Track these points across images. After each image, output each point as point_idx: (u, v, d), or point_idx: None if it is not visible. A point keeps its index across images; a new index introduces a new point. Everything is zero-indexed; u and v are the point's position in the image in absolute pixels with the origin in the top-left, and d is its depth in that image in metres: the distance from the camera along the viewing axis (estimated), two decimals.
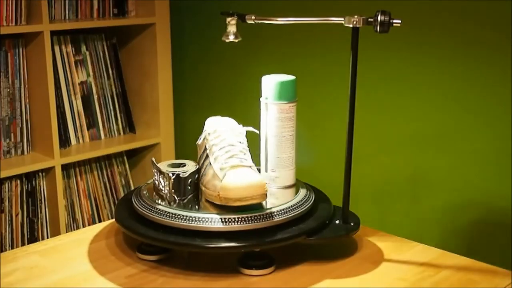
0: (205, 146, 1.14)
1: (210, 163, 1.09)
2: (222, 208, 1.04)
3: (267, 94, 1.14)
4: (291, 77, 1.14)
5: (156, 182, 1.14)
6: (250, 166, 1.07)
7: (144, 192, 1.14)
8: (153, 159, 1.15)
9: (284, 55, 1.99)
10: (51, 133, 2.01)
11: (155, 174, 1.14)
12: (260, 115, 1.16)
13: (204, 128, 1.17)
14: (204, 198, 1.11)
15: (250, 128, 1.17)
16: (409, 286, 0.99)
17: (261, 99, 1.15)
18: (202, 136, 1.16)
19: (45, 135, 2.04)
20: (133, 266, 1.05)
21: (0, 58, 2.00)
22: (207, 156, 1.12)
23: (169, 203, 1.09)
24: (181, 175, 1.10)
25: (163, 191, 1.11)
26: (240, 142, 1.12)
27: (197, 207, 1.10)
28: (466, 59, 1.57)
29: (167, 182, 1.10)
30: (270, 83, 1.13)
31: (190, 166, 1.15)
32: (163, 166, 1.15)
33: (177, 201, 1.10)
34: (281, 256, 1.06)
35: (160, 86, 2.26)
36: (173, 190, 1.10)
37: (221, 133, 1.12)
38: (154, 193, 1.14)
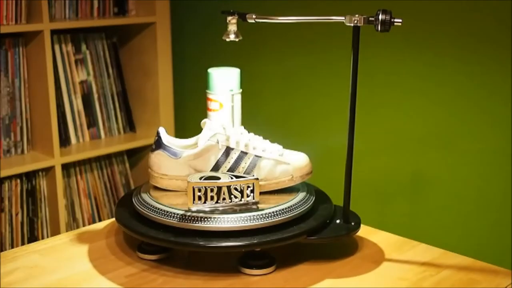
0: (226, 147, 1.10)
1: (259, 156, 1.10)
2: (222, 208, 1.04)
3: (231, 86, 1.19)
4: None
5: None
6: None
7: (145, 191, 1.13)
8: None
9: (285, 54, 1.98)
10: (51, 132, 2.01)
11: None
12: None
13: (208, 131, 1.13)
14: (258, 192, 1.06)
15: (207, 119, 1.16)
16: (410, 286, 0.99)
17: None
18: (213, 140, 1.10)
19: (45, 134, 2.04)
20: (133, 266, 1.05)
21: (0, 57, 2.00)
22: (241, 154, 1.10)
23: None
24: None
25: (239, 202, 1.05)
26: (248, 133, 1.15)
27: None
28: (467, 58, 1.57)
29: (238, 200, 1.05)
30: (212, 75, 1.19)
31: (225, 176, 1.08)
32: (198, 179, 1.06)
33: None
34: (281, 256, 1.06)
35: (161, 85, 2.26)
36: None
37: (232, 131, 1.11)
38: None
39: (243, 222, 1.02)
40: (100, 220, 2.26)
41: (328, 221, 1.10)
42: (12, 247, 2.05)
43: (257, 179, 1.04)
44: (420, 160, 1.70)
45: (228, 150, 1.10)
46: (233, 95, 1.20)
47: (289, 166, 1.10)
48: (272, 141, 1.14)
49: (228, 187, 1.02)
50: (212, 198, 1.02)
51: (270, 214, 1.04)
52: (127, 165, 2.36)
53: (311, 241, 1.06)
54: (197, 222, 1.02)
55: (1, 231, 2.04)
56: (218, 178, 1.05)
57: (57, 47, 2.11)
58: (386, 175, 1.78)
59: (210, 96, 1.21)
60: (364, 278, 1.02)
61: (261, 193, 1.07)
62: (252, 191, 1.04)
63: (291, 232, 1.04)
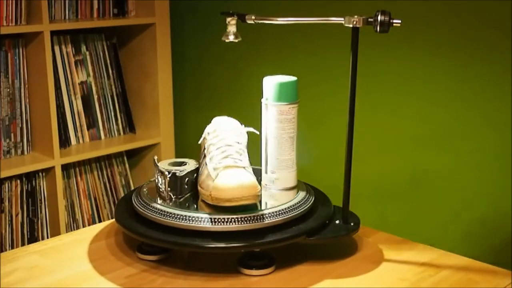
0: (204, 146, 1.14)
1: (206, 163, 1.09)
2: (222, 208, 1.04)
3: (268, 95, 1.14)
4: (292, 78, 1.14)
5: (156, 180, 1.14)
6: (244, 167, 1.07)
7: (144, 192, 1.14)
8: (155, 158, 1.15)
9: (284, 55, 1.99)
10: (51, 133, 2.01)
11: (156, 172, 1.14)
12: (261, 116, 1.16)
13: (206, 128, 1.17)
14: (201, 198, 1.11)
15: (251, 129, 1.17)
16: (409, 286, 0.99)
17: (262, 100, 1.15)
18: (203, 136, 1.16)
19: (45, 135, 2.04)
20: (133, 266, 1.05)
21: (0, 58, 2.00)
22: (205, 155, 1.12)
23: (165, 201, 1.09)
24: (177, 174, 1.11)
25: (161, 189, 1.12)
26: (238, 143, 1.11)
27: (196, 206, 1.10)
28: (467, 58, 1.57)
29: (163, 180, 1.10)
30: (271, 84, 1.13)
31: (190, 165, 1.15)
32: (164, 164, 1.15)
33: (173, 199, 1.10)
34: (281, 256, 1.06)
35: (160, 86, 2.26)
36: (169, 188, 1.10)
37: (220, 132, 1.12)
38: (157, 194, 1.13)
39: (242, 223, 1.02)
40: (100, 221, 2.26)
41: (327, 221, 1.11)
42: (12, 248, 2.06)
43: (171, 174, 1.10)
44: (420, 160, 1.71)
45: (204, 150, 1.14)
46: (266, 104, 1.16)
47: (212, 183, 1.05)
48: None
49: (160, 171, 1.11)
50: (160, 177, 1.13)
51: (269, 215, 1.04)
52: (127, 166, 2.36)
53: (310, 241, 1.06)
54: (196, 222, 1.02)
55: (1, 232, 2.04)
56: (185, 164, 1.16)
57: (57, 48, 2.11)
58: (385, 176, 1.78)
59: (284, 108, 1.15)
60: (363, 278, 1.02)
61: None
62: (164, 183, 1.11)
63: (290, 232, 1.04)
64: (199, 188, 1.11)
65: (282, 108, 1.13)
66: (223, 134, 1.12)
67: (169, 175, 1.10)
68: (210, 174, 1.06)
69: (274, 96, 1.13)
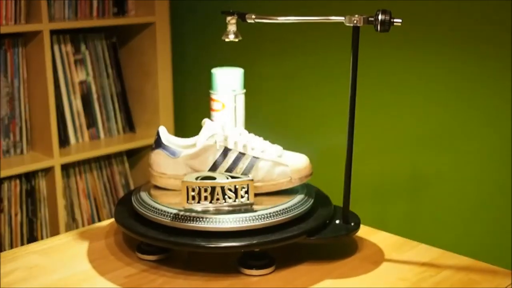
0: (224, 147, 1.10)
1: (257, 157, 1.09)
2: (222, 208, 1.04)
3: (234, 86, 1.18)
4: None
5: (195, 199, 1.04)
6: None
7: (144, 191, 1.13)
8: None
9: (284, 54, 1.98)
10: (51, 132, 2.01)
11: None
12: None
13: (207, 132, 1.13)
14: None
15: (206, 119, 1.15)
16: (410, 286, 0.99)
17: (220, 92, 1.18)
18: (211, 140, 1.10)
19: (45, 135, 2.04)
20: (133, 266, 1.05)
21: None
22: (240, 154, 1.10)
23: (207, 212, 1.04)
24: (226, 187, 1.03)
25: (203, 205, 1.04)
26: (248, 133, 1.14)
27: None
28: (467, 58, 1.57)
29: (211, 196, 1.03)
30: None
31: (217, 176, 1.08)
32: (191, 178, 1.05)
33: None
34: (281, 256, 1.06)
35: (160, 86, 2.26)
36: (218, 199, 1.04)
37: (231, 132, 1.11)
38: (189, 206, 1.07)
39: (242, 223, 1.02)
40: (99, 221, 2.26)
41: (327, 221, 1.10)
42: (12, 248, 2.05)
43: (252, 180, 1.03)
44: (420, 160, 1.70)
45: (226, 151, 1.10)
46: (235, 95, 1.20)
47: (287, 168, 1.09)
48: (272, 141, 1.14)
49: (222, 188, 1.02)
50: (206, 198, 1.02)
51: (269, 214, 1.04)
52: (127, 165, 2.36)
53: (310, 241, 1.06)
54: (196, 222, 1.02)
55: (1, 232, 2.04)
56: (214, 178, 1.05)
57: (56, 47, 2.11)
58: (386, 176, 1.78)
59: (213, 96, 1.21)
60: (363, 278, 1.02)
61: (258, 194, 1.07)
62: (246, 192, 1.03)
63: (290, 232, 1.04)
64: (260, 184, 1.09)
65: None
66: (235, 132, 1.12)
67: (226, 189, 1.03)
68: (278, 162, 1.09)
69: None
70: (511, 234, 1.54)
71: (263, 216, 1.03)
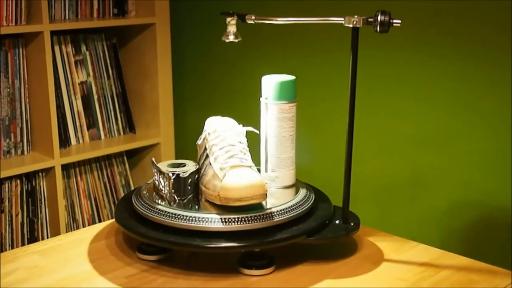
0: (205, 146, 1.14)
1: (210, 163, 1.09)
2: (222, 208, 1.04)
3: (267, 94, 1.14)
4: (291, 77, 1.14)
5: (156, 182, 1.14)
6: (250, 166, 1.07)
7: (144, 192, 1.14)
8: (153, 159, 1.15)
9: (284, 55, 1.98)
10: (51, 133, 2.01)
11: (155, 174, 1.14)
12: (260, 115, 1.16)
13: (204, 128, 1.17)
14: (204, 198, 1.11)
15: (250, 128, 1.17)
16: (409, 286, 0.99)
17: (261, 99, 1.15)
18: (202, 136, 1.16)
19: (45, 135, 2.04)
20: (133, 266, 1.05)
21: (0, 58, 2.00)
22: (207, 156, 1.12)
23: (169, 203, 1.09)
24: (181, 175, 1.10)
25: (163, 191, 1.11)
26: (240, 142, 1.12)
27: (197, 207, 1.10)
28: (466, 59, 1.57)
29: (167, 182, 1.10)
30: (270, 83, 1.13)
31: (190, 166, 1.15)
32: (163, 166, 1.15)
33: (177, 201, 1.10)
34: (281, 256, 1.06)
35: (160, 86, 2.26)
36: (173, 190, 1.10)
37: (221, 133, 1.12)
38: (154, 193, 1.14)
39: (242, 223, 1.02)
40: (100, 221, 2.26)
41: (327, 221, 1.11)
42: (12, 248, 2.06)
43: (175, 176, 1.10)
44: (419, 161, 1.70)
45: (205, 150, 1.14)
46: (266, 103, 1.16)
47: (219, 183, 1.04)
48: None
49: (162, 173, 1.11)
50: (160, 181, 1.13)
51: (269, 215, 1.04)
52: (127, 166, 2.36)
53: (310, 241, 1.06)
54: (196, 222, 1.02)
55: (1, 232, 2.04)
56: (184, 165, 1.16)
57: (57, 48, 2.11)
58: (385, 176, 1.78)
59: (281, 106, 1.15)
60: (363, 278, 1.02)
61: None
62: (167, 185, 1.10)
63: (290, 232, 1.04)
64: (203, 188, 1.11)
65: (283, 107, 1.13)
66: (224, 134, 1.12)
67: (173, 177, 1.10)
68: (217, 174, 1.06)
69: (274, 95, 1.13)
70: (511, 234, 1.54)
71: (263, 216, 1.03)
